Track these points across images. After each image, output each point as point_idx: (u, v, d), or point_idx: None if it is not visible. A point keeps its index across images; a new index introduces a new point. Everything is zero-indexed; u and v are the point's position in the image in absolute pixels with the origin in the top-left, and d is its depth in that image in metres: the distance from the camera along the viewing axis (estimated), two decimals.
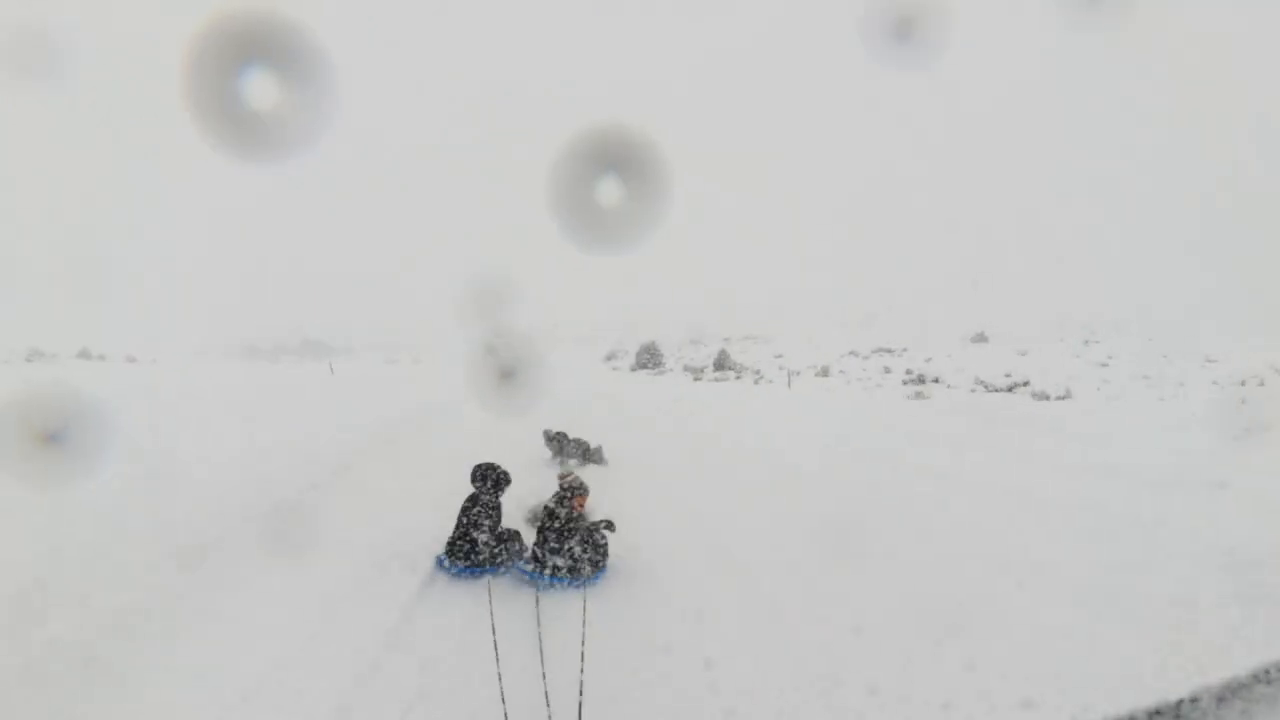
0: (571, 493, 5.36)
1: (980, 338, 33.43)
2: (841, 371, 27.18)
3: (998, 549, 5.40)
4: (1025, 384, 19.00)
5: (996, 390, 19.24)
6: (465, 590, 4.75)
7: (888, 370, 25.66)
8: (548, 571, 4.79)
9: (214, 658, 3.69)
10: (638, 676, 3.60)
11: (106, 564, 4.32)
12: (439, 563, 5.02)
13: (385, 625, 4.13)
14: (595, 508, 6.11)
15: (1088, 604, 4.30)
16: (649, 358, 39.66)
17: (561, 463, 9.14)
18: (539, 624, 4.12)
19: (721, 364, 33.30)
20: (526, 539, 5.28)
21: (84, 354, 37.28)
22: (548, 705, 3.21)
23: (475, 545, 4.95)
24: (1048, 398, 17.13)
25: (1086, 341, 28.56)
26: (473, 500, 5.28)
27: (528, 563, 4.95)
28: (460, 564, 4.92)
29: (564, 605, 4.43)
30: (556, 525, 4.99)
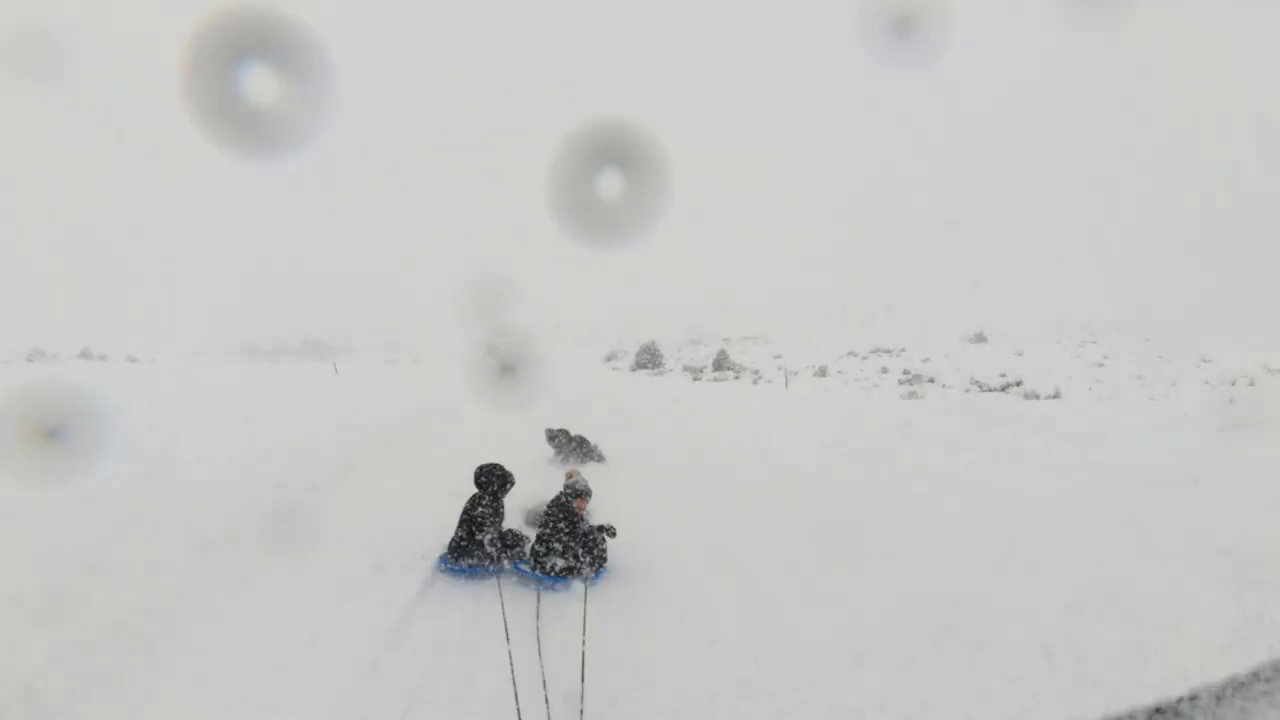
0: (575, 494, 5.36)
1: (979, 338, 33.46)
2: (839, 372, 27.22)
3: (992, 548, 5.39)
4: (1018, 384, 19.15)
5: (990, 390, 19.39)
6: (466, 591, 4.76)
7: (885, 370, 25.72)
8: (547, 571, 4.79)
9: (214, 658, 3.69)
10: (638, 676, 3.60)
11: (106, 565, 4.31)
12: (441, 563, 5.02)
13: (386, 625, 4.13)
14: (596, 508, 6.11)
15: (1085, 603, 4.30)
16: (649, 358, 39.68)
17: (564, 460, 9.28)
18: (539, 624, 4.12)
19: (720, 364, 33.34)
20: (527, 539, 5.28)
21: (85, 354, 37.29)
22: (546, 705, 3.21)
23: (478, 546, 4.95)
24: (1038, 397, 17.33)
25: (1083, 342, 28.61)
26: (475, 501, 5.27)
27: (526, 563, 4.95)
28: (463, 564, 4.92)
29: (564, 605, 4.43)
30: (557, 526, 4.99)
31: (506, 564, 4.99)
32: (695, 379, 30.96)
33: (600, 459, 9.34)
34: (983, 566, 4.99)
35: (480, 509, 5.17)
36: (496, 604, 4.35)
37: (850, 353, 32.67)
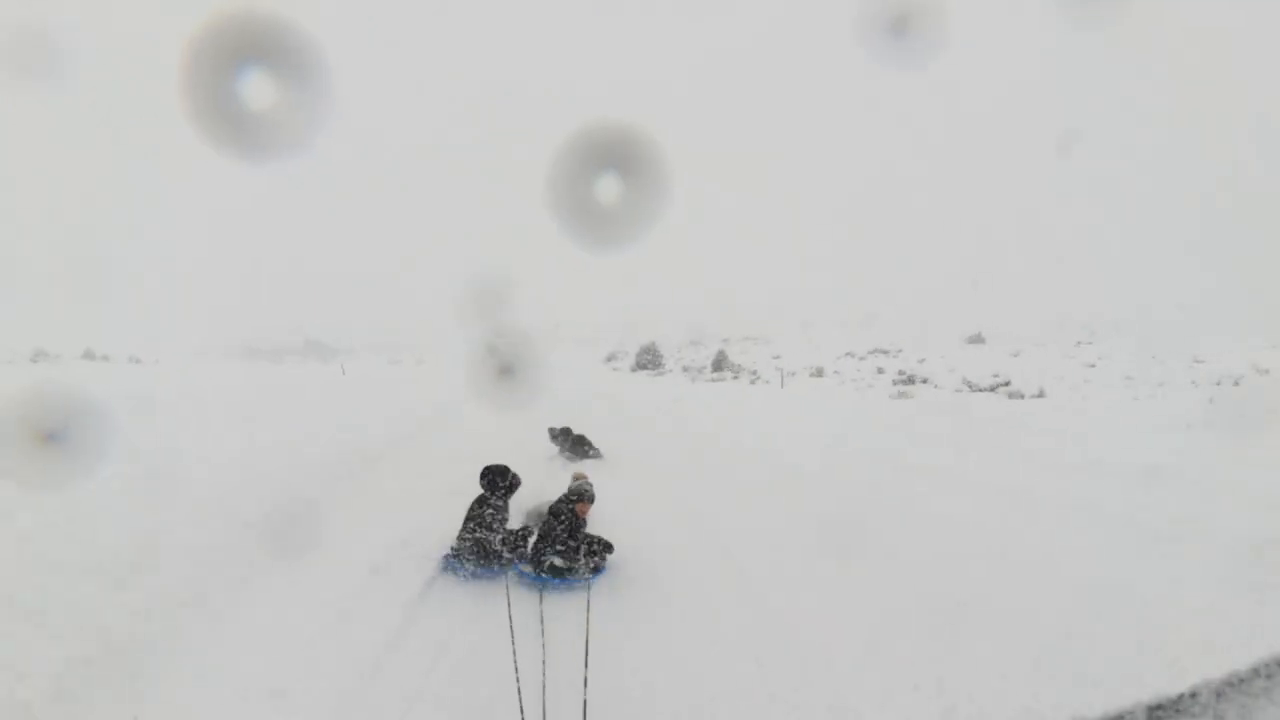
0: (578, 497, 5.36)
1: (977, 339, 33.49)
2: (836, 372, 27.33)
3: (994, 547, 5.39)
4: (1006, 384, 19.48)
5: (980, 390, 19.70)
6: (467, 591, 4.76)
7: (881, 371, 25.89)
8: (545, 572, 4.79)
9: (214, 659, 3.69)
10: (638, 676, 3.60)
11: (105, 565, 4.31)
12: (444, 563, 5.02)
13: (387, 625, 4.13)
14: (597, 507, 6.08)
15: (1085, 602, 4.30)
16: (649, 358, 39.74)
17: (568, 458, 9.65)
18: (542, 624, 4.12)
19: (719, 365, 33.43)
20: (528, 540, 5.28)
21: (88, 354, 37.34)
22: (544, 705, 3.21)
23: (482, 546, 4.95)
24: (1022, 397, 17.71)
25: (1079, 342, 28.70)
26: (481, 502, 5.28)
27: (526, 563, 4.95)
28: (466, 565, 4.92)
29: (565, 605, 4.43)
30: (558, 527, 4.99)
31: (509, 564, 4.99)
32: (694, 379, 31.04)
33: (598, 456, 9.80)
34: (984, 566, 4.99)
35: (487, 510, 5.17)
36: (497, 604, 4.35)
37: (848, 353, 32.71)
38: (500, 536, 5.01)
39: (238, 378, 23.61)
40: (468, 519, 5.18)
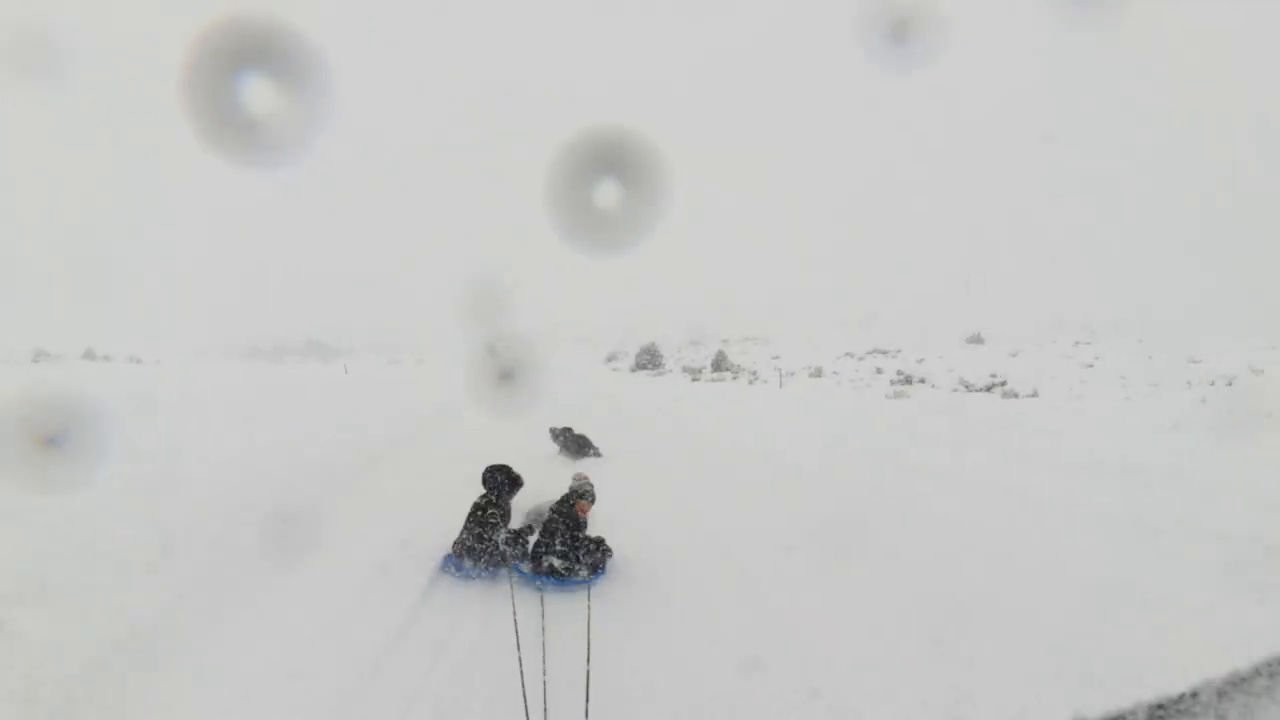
0: (578, 496, 5.35)
1: (976, 339, 33.51)
2: (835, 372, 27.39)
3: (995, 547, 5.39)
4: (1003, 384, 19.72)
5: (976, 390, 19.91)
6: (468, 591, 4.75)
7: (879, 371, 25.98)
8: (544, 573, 4.78)
9: (213, 659, 3.69)
10: (638, 676, 3.60)
11: (104, 566, 4.31)
12: (445, 563, 5.01)
13: (387, 626, 4.13)
14: (598, 508, 6.08)
15: (1086, 602, 4.30)
16: (649, 359, 39.76)
17: (569, 457, 9.77)
18: (544, 624, 4.12)
19: (719, 365, 33.48)
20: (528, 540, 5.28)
21: (89, 355, 37.33)
22: (545, 705, 3.21)
23: (484, 545, 4.95)
24: (1016, 396, 17.97)
25: (1077, 343, 28.76)
26: (483, 501, 5.28)
27: (525, 562, 4.95)
28: (468, 564, 4.92)
29: (566, 605, 4.42)
30: (559, 527, 4.99)
31: (510, 564, 4.99)
32: (694, 379, 31.09)
33: (598, 454, 9.94)
34: (985, 566, 4.99)
35: (489, 509, 5.17)
36: (497, 604, 4.35)
37: (847, 354, 32.74)
38: (502, 536, 5.01)
39: (239, 378, 23.63)
40: (469, 518, 5.17)
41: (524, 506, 6.32)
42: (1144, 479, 7.11)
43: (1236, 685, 0.83)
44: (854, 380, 24.40)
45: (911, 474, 8.33)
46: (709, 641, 3.95)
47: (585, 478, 6.15)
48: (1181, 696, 0.84)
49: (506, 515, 5.35)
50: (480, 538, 4.99)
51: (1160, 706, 0.84)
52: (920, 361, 26.11)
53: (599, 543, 5.04)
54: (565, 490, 5.74)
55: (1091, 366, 22.05)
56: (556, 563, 4.79)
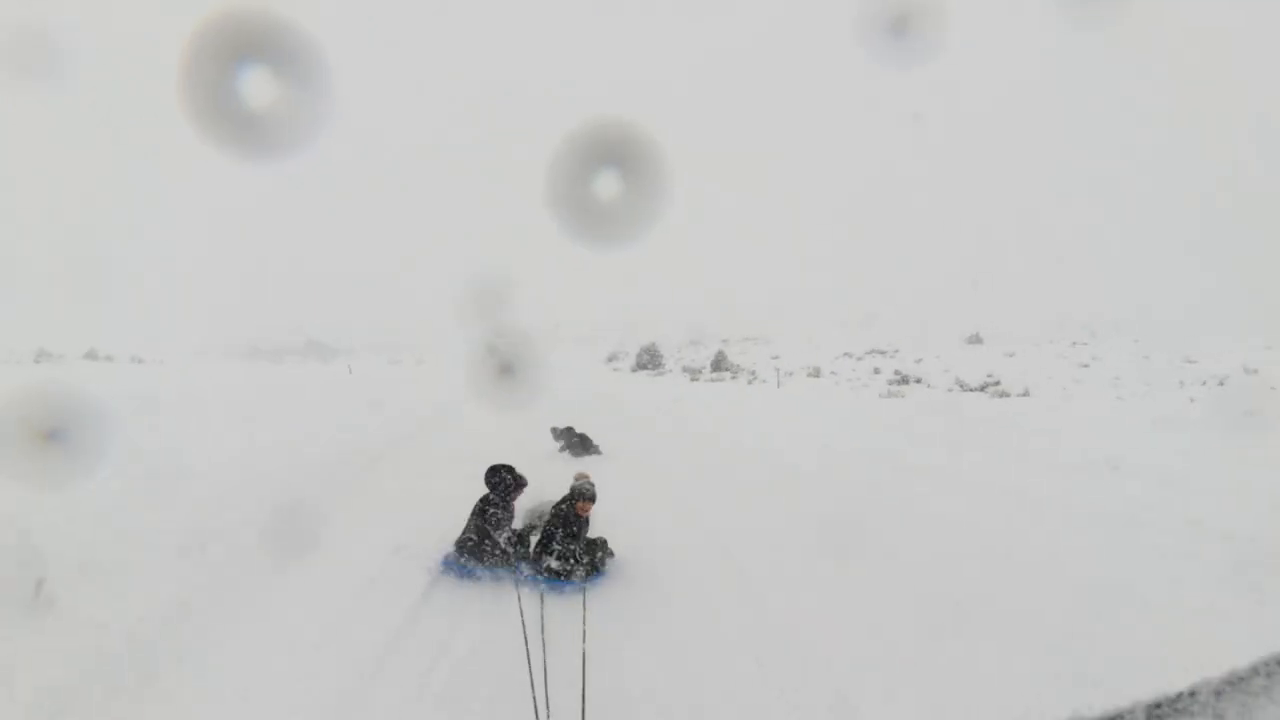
0: (578, 496, 5.35)
1: (975, 339, 33.54)
2: (833, 372, 27.48)
3: (993, 547, 5.39)
4: (997, 384, 20.00)
5: (970, 390, 20.14)
6: (469, 591, 4.75)
7: (877, 371, 26.06)
8: (543, 573, 4.78)
9: (213, 659, 3.69)
10: (639, 676, 3.60)
11: (101, 567, 4.31)
12: (447, 563, 5.01)
13: (388, 625, 4.12)
14: (599, 507, 6.08)
15: (1085, 602, 4.30)
16: (649, 359, 39.82)
17: (570, 455, 9.91)
18: (543, 624, 4.11)
19: (718, 365, 33.55)
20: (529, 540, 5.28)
21: (91, 355, 37.36)
22: (547, 705, 3.21)
23: (486, 545, 4.95)
24: (1008, 395, 18.26)
25: (1075, 343, 28.83)
26: (485, 501, 5.27)
27: (528, 563, 4.94)
28: (467, 564, 4.91)
29: (567, 606, 4.42)
30: (558, 527, 4.98)
31: (511, 563, 4.98)
32: (694, 379, 31.15)
33: (599, 452, 10.12)
34: (983, 566, 5.00)
35: (491, 509, 5.17)
36: (498, 603, 4.34)
37: (846, 354, 32.78)
38: (504, 536, 5.01)
39: (239, 378, 23.65)
40: (471, 518, 5.17)
41: (525, 506, 6.31)
42: (1140, 479, 7.16)
43: (1234, 685, 0.83)
44: (851, 380, 24.47)
45: (909, 474, 8.37)
46: (709, 641, 3.95)
47: (586, 477, 6.14)
48: (1179, 696, 0.84)
49: (510, 516, 5.34)
50: (483, 538, 4.98)
51: (1158, 706, 0.83)
52: (918, 362, 26.22)
53: (600, 544, 5.03)
54: (566, 490, 5.74)
55: (1087, 367, 22.13)
56: (554, 563, 4.79)
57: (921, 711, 3.26)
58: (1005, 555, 5.25)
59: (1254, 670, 0.84)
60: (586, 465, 8.59)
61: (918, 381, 22.45)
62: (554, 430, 10.43)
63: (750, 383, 27.50)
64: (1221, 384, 16.53)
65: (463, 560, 4.95)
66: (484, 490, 5.47)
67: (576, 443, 10.14)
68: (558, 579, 4.73)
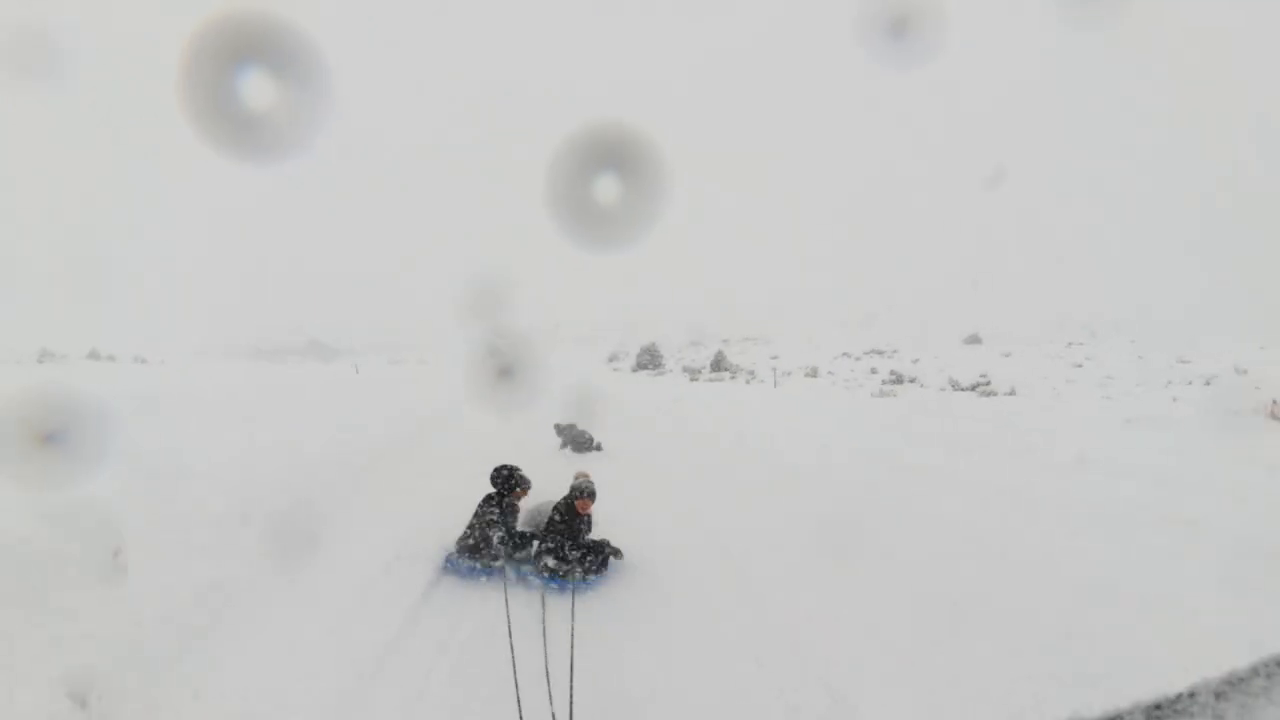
0: (578, 493, 5.35)
1: (974, 339, 33.56)
2: (830, 372, 27.58)
3: (991, 547, 5.40)
4: (988, 383, 20.27)
5: (962, 389, 20.35)
6: (470, 591, 4.74)
7: (874, 371, 26.17)
8: (541, 573, 4.77)
9: (213, 660, 3.69)
10: (639, 676, 3.60)
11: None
12: (446, 563, 5.01)
13: (389, 625, 4.12)
14: (599, 507, 6.08)
15: (1084, 602, 4.30)
16: (649, 359, 39.87)
17: (572, 451, 10.06)
18: (544, 625, 4.11)
19: (718, 365, 33.61)
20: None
21: (93, 355, 37.40)
22: (550, 704, 3.21)
23: (485, 545, 4.95)
24: (995, 394, 18.71)
25: (1071, 343, 28.92)
26: (488, 501, 5.28)
27: (528, 563, 4.94)
28: (468, 564, 4.92)
29: (567, 605, 4.42)
30: (558, 527, 4.98)
31: (513, 564, 4.98)
32: (693, 379, 31.22)
33: (599, 448, 10.28)
34: (980, 566, 5.00)
35: (494, 509, 5.18)
36: (498, 604, 4.34)
37: (845, 354, 32.83)
38: (499, 535, 5.01)
39: (241, 378, 23.61)
40: (474, 518, 5.18)
41: (526, 506, 6.31)
42: (1136, 478, 7.19)
43: (1234, 685, 0.83)
44: (848, 380, 24.59)
45: (907, 473, 8.40)
46: (709, 641, 3.95)
47: (586, 475, 6.14)
48: (1179, 697, 0.84)
49: (512, 515, 5.34)
50: (484, 537, 4.99)
51: (1158, 707, 0.83)
52: (915, 362, 26.37)
53: (601, 545, 5.01)
54: (567, 489, 5.74)
55: (1080, 367, 22.29)
56: (551, 562, 4.79)
57: (920, 711, 3.26)
58: (1001, 554, 5.26)
59: (1254, 671, 0.84)
60: (587, 464, 8.60)
61: (912, 381, 22.68)
62: (557, 426, 10.57)
63: (749, 382, 27.57)
64: (1208, 384, 16.70)
65: (464, 560, 4.95)
66: (485, 490, 5.48)
67: (578, 440, 10.29)
68: (556, 578, 4.73)
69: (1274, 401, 10.69)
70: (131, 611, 3.69)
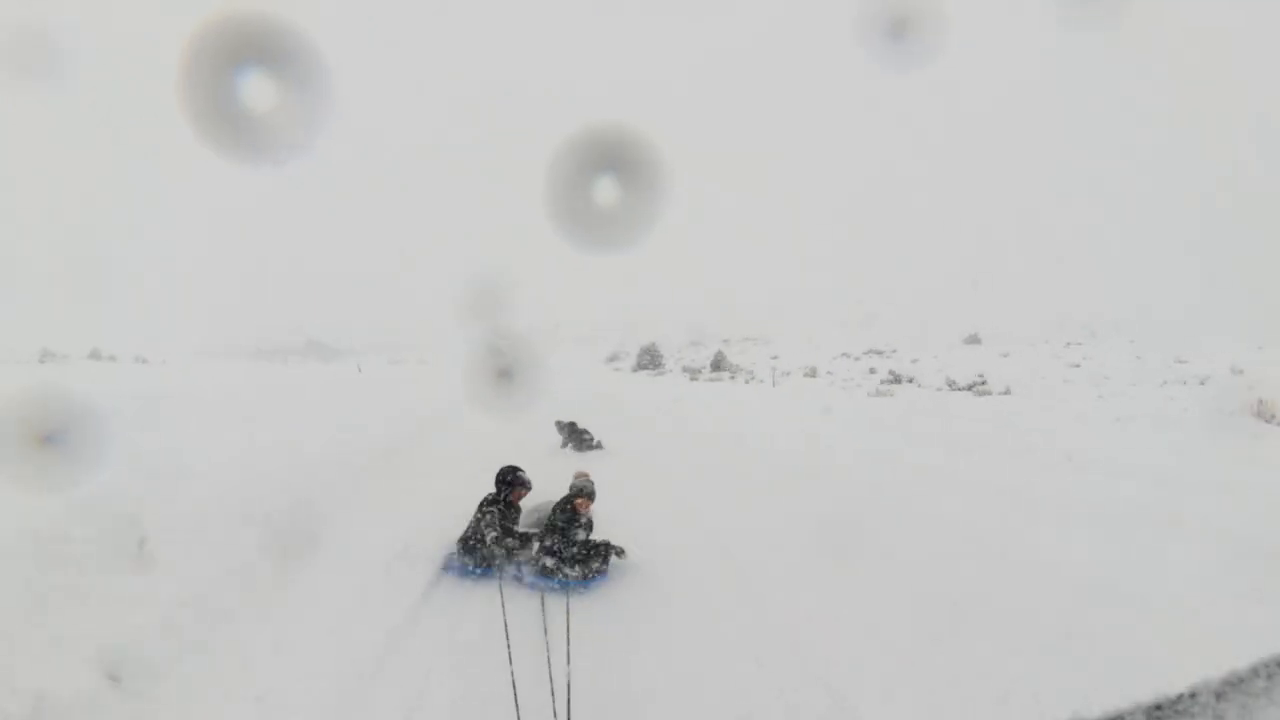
0: (577, 493, 5.35)
1: (973, 339, 33.57)
2: (829, 373, 27.64)
3: (991, 547, 5.40)
4: (984, 383, 20.42)
5: (958, 389, 20.48)
6: (471, 591, 4.74)
7: (873, 371, 26.23)
8: (539, 573, 4.77)
9: (213, 659, 3.69)
10: (639, 676, 3.60)
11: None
12: (446, 563, 5.01)
13: (389, 626, 4.12)
14: (599, 506, 6.08)
15: (1084, 602, 4.30)
16: (649, 359, 39.90)
17: (572, 449, 10.17)
18: (545, 625, 4.12)
19: (718, 365, 33.65)
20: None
21: (95, 355, 37.43)
22: (553, 699, 3.21)
23: (486, 545, 4.95)
24: (990, 394, 18.89)
25: (1069, 343, 28.97)
26: (489, 501, 5.28)
27: (528, 564, 4.94)
28: (468, 564, 4.92)
29: (569, 606, 4.42)
30: (557, 528, 4.98)
31: (511, 564, 4.98)
32: (693, 379, 31.26)
33: (600, 447, 10.38)
34: (980, 565, 5.01)
35: (494, 509, 5.18)
36: (498, 604, 4.34)
37: (844, 354, 32.86)
38: (492, 535, 5.00)
39: (242, 378, 23.62)
40: (475, 518, 5.18)
41: (527, 506, 6.31)
42: (1136, 478, 7.25)
43: (1234, 686, 0.83)
44: (846, 380, 24.65)
45: (906, 473, 8.42)
46: (709, 641, 3.95)
47: (586, 475, 6.15)
48: (1180, 697, 0.84)
49: (513, 515, 5.34)
50: (484, 537, 4.99)
51: (1158, 707, 0.84)
52: (914, 362, 26.44)
53: (602, 546, 5.01)
54: (567, 489, 5.74)
55: (1078, 366, 22.37)
56: (550, 562, 4.78)
57: (920, 711, 3.26)
58: (1001, 554, 5.26)
59: (1254, 671, 0.85)
60: (587, 463, 8.59)
61: (909, 381, 22.76)
62: (558, 424, 10.67)
63: (748, 382, 27.62)
64: (1202, 384, 16.78)
65: (464, 560, 4.95)
66: (486, 490, 5.48)
67: (579, 438, 10.39)
68: (555, 578, 4.73)
69: (1260, 401, 10.73)
70: (164, 596, 3.89)
